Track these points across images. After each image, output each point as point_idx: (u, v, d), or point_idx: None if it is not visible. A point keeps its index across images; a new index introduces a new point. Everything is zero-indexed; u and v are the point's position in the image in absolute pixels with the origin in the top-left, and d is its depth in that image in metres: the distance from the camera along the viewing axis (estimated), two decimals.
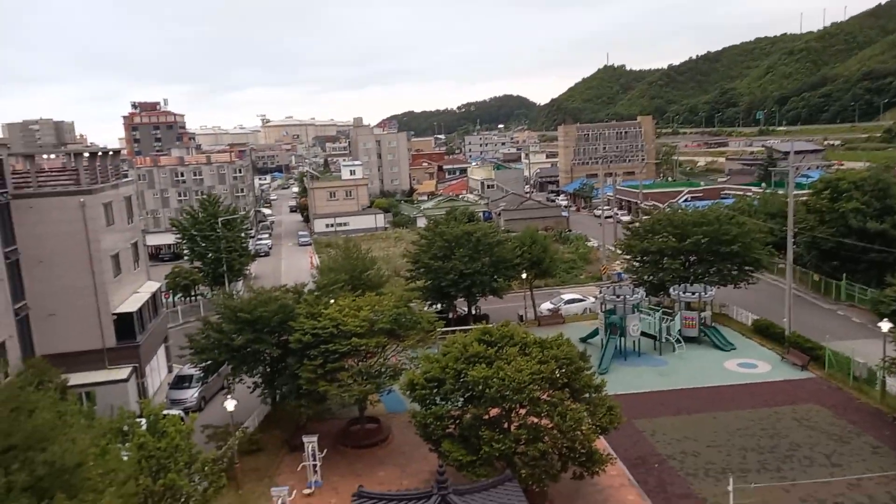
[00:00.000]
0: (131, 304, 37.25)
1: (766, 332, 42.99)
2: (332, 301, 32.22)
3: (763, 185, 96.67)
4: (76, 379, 32.48)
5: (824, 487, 25.75)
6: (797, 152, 61.48)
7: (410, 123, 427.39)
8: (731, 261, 45.22)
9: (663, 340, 41.90)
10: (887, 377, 32.87)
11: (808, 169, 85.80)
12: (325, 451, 29.52)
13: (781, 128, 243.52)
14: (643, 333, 41.57)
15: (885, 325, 32.33)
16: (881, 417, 31.49)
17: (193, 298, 61.15)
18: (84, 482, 15.61)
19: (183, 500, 21.40)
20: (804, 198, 57.87)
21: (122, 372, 35.09)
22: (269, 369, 32.49)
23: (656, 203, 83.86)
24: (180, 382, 37.37)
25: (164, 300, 50.33)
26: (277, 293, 33.37)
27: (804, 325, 42.19)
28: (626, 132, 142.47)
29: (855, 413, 32.05)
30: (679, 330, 42.48)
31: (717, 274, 45.41)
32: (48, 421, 15.69)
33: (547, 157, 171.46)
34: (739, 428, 31.22)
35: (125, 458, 19.45)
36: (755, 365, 38.92)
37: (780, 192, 71.61)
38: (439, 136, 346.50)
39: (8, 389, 15.86)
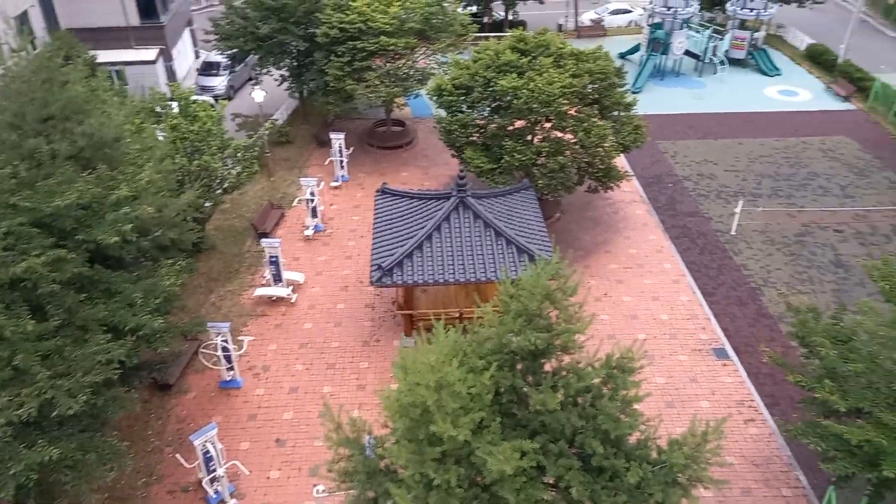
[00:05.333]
0: None
1: (817, 59, 40.42)
2: None
3: None
4: (104, 57, 32.41)
5: (830, 216, 26.66)
6: None
7: None
8: None
9: (706, 61, 39.78)
10: None
11: None
12: (352, 149, 30.50)
13: None
14: (687, 52, 39.35)
15: None
16: None
17: None
18: (123, 156, 16.42)
19: (218, 181, 22.89)
20: None
21: (150, 53, 34.79)
22: (296, 63, 31.98)
23: None
24: (208, 69, 37.20)
25: None
26: None
27: (863, 53, 39.35)
28: None
29: (885, 148, 31.64)
30: (726, 50, 40.05)
31: None
32: (81, 94, 15.88)
33: None
34: (763, 155, 31.30)
35: (160, 138, 20.29)
36: (796, 93, 37.46)
37: None
38: None
39: (38, 60, 15.76)
